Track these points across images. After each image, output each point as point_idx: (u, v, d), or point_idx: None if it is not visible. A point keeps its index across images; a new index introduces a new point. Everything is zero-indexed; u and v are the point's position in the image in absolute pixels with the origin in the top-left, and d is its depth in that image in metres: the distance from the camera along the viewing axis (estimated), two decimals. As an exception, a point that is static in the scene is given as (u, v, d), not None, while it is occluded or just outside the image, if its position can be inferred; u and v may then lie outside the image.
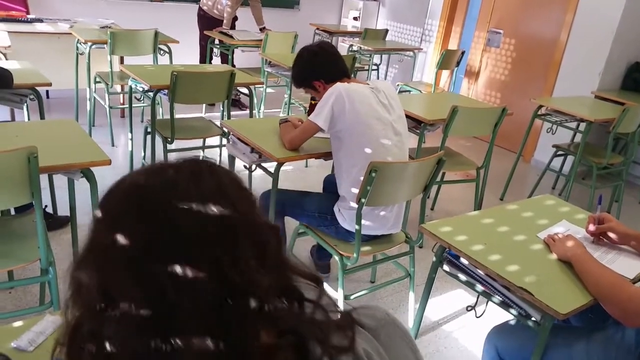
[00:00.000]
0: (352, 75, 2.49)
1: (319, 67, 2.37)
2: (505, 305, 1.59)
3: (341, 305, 2.21)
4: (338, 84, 2.21)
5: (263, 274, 0.59)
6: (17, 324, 1.13)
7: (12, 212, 2.36)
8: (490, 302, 1.68)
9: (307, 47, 2.46)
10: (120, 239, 0.57)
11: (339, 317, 0.67)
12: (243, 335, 0.57)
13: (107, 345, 0.57)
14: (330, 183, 2.69)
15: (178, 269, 0.56)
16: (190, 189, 0.60)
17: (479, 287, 1.67)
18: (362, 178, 2.00)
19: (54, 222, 2.83)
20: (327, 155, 2.40)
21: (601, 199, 1.88)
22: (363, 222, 2.11)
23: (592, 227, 1.74)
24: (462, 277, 1.72)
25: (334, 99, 2.16)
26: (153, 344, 0.56)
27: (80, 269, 0.60)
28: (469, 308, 1.91)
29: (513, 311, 1.57)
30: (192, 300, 0.56)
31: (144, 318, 0.56)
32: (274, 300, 0.60)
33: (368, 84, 2.26)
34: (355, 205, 2.06)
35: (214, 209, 0.59)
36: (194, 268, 0.56)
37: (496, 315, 1.91)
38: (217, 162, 0.67)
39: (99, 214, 0.60)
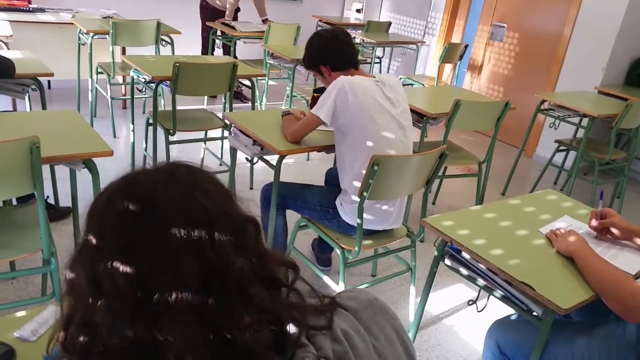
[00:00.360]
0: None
1: (329, 52, 2.36)
2: (506, 299, 1.60)
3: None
4: (342, 76, 2.20)
5: (240, 258, 0.63)
6: (20, 314, 1.13)
7: (14, 202, 2.36)
8: (491, 297, 1.69)
9: (321, 31, 2.47)
10: (107, 234, 0.62)
11: (319, 301, 0.71)
12: (226, 315, 0.60)
13: (99, 335, 0.61)
14: (332, 176, 2.68)
15: (162, 256, 0.60)
16: (169, 185, 0.65)
17: (481, 282, 1.67)
18: (364, 171, 1.99)
19: (55, 213, 2.84)
20: (329, 149, 2.40)
21: (602, 194, 1.88)
22: (365, 216, 2.11)
23: (594, 222, 1.74)
24: (464, 271, 1.72)
25: (336, 93, 2.15)
26: (142, 330, 0.59)
27: (75, 264, 0.64)
28: (470, 302, 1.91)
29: (514, 306, 1.57)
30: (176, 285, 0.60)
31: (132, 306, 0.60)
32: (254, 285, 0.64)
33: (374, 77, 2.25)
34: (357, 199, 2.05)
35: (191, 201, 0.64)
36: (176, 254, 0.60)
37: (497, 309, 1.91)
38: (198, 164, 0.71)
39: (88, 217, 0.65)
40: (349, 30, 2.58)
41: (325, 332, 0.67)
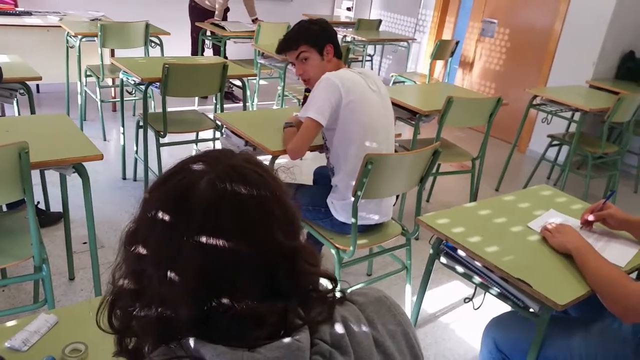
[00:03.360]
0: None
1: (332, 34, 2.30)
2: (503, 296, 1.59)
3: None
4: (327, 73, 2.17)
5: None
6: (11, 323, 1.11)
7: (4, 208, 2.33)
8: (487, 294, 1.68)
9: (310, 20, 2.39)
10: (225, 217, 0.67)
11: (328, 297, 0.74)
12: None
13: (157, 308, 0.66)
14: (321, 175, 2.67)
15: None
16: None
17: (477, 279, 1.66)
18: (357, 167, 1.97)
19: (46, 218, 2.80)
20: (322, 148, 2.38)
21: (612, 195, 1.86)
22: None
23: (591, 217, 1.73)
24: (460, 269, 1.71)
25: (329, 90, 2.10)
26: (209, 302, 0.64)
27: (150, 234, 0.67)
28: (467, 300, 1.91)
29: (511, 303, 1.56)
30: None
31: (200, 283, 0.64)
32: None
33: (357, 71, 2.23)
34: (348, 196, 2.04)
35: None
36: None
37: (494, 306, 1.91)
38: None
39: (149, 199, 0.69)
40: (339, 29, 2.56)
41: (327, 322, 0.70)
